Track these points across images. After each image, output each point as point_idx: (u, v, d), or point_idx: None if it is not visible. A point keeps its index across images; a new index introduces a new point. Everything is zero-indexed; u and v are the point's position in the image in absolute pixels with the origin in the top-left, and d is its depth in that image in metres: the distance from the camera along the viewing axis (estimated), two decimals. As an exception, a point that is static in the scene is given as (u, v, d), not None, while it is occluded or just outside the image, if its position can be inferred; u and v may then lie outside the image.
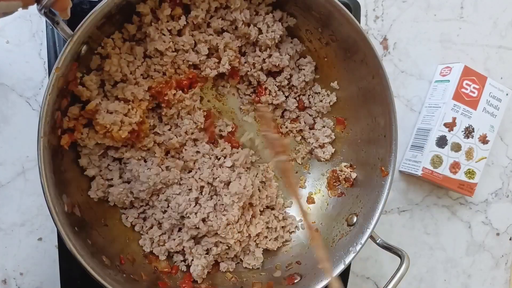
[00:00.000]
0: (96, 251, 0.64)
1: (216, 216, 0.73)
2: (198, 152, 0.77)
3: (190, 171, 0.77)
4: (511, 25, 0.97)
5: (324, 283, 0.69)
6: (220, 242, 0.75)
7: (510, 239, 1.02)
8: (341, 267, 0.69)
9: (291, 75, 0.81)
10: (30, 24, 0.77)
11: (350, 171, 0.80)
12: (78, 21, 0.57)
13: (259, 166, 0.83)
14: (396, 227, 0.96)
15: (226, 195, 0.73)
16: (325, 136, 0.83)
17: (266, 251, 0.81)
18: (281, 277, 0.77)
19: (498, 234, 1.02)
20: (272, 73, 0.81)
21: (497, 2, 0.95)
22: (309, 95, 0.83)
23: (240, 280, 0.78)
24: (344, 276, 0.87)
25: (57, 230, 0.58)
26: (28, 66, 0.78)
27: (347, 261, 0.69)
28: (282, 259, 0.81)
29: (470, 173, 0.92)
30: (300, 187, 0.85)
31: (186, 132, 0.76)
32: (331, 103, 0.82)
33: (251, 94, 0.82)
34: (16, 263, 0.79)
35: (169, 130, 0.76)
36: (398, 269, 0.66)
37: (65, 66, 0.58)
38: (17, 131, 0.78)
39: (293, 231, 0.83)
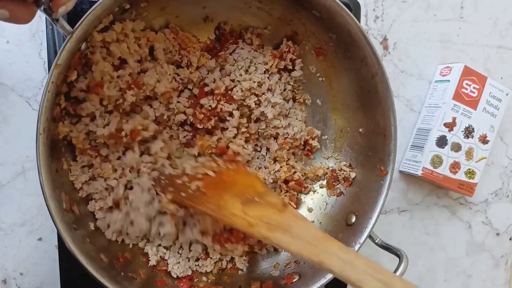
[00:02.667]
0: (94, 250, 0.65)
1: None
2: None
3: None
4: (511, 25, 0.97)
5: (322, 282, 0.69)
6: None
7: (510, 239, 1.02)
8: (339, 267, 0.69)
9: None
10: (30, 24, 0.77)
11: (349, 171, 0.79)
12: (78, 20, 0.57)
13: None
14: (396, 227, 0.96)
15: None
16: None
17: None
18: (280, 276, 0.76)
19: (498, 234, 1.02)
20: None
21: (497, 2, 0.95)
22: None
23: (237, 279, 0.78)
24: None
25: (56, 227, 0.58)
26: (28, 66, 0.78)
27: (346, 261, 0.69)
28: (281, 258, 0.81)
29: (470, 173, 0.92)
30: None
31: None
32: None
33: None
34: (16, 263, 0.79)
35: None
36: (396, 269, 0.66)
37: (64, 62, 0.58)
38: (17, 131, 0.78)
39: None
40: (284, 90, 0.82)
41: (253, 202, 0.67)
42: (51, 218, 0.58)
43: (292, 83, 0.83)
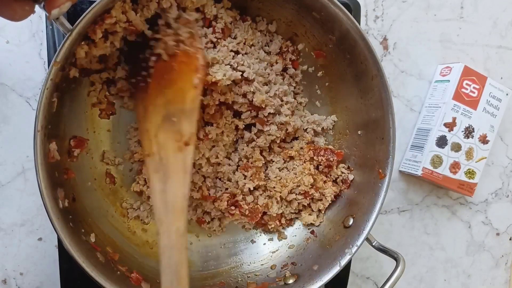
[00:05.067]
0: (90, 248, 0.65)
1: None
2: None
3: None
4: (511, 25, 0.96)
5: (319, 284, 0.70)
6: None
7: (510, 239, 1.02)
8: (336, 269, 0.69)
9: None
10: (30, 24, 0.77)
11: (348, 173, 0.79)
12: (78, 19, 0.57)
13: None
14: (396, 227, 0.96)
15: None
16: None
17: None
18: (276, 277, 0.77)
19: (498, 234, 1.02)
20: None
21: (497, 2, 0.95)
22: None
23: (234, 281, 0.78)
24: (344, 276, 0.87)
25: (52, 225, 0.58)
26: (28, 66, 0.78)
27: (343, 263, 0.69)
28: (278, 259, 0.81)
29: (470, 173, 0.92)
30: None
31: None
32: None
33: None
34: (16, 263, 0.79)
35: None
36: (393, 272, 0.66)
37: (63, 60, 0.58)
38: (17, 131, 0.78)
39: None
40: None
41: (169, 122, 0.62)
42: (48, 215, 0.58)
43: (294, 85, 0.83)
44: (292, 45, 0.80)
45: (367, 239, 0.71)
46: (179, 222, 0.59)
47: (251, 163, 0.79)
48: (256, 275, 0.79)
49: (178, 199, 0.60)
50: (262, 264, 0.81)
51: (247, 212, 0.78)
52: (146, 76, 0.66)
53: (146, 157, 0.63)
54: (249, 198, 0.79)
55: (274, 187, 0.79)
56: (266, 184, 0.80)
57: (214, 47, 0.74)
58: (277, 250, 0.82)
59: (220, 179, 0.80)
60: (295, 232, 0.83)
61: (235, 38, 0.76)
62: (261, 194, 0.80)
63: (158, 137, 0.62)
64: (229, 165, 0.79)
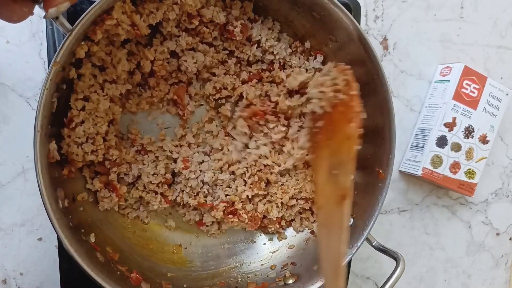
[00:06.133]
0: (90, 248, 0.65)
1: None
2: None
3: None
4: (511, 25, 0.96)
5: (319, 284, 0.69)
6: None
7: (510, 239, 1.02)
8: (336, 269, 0.70)
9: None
10: (30, 24, 0.77)
11: (348, 173, 0.79)
12: (78, 19, 0.57)
13: None
14: (396, 227, 0.96)
15: None
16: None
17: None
18: (276, 277, 0.77)
19: (498, 234, 1.02)
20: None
21: (497, 2, 0.95)
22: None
23: (234, 281, 0.78)
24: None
25: (52, 224, 0.58)
26: (28, 66, 0.78)
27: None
28: (278, 259, 0.81)
29: (470, 173, 0.91)
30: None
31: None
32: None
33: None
34: (16, 263, 0.79)
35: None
36: (393, 272, 0.66)
37: (63, 60, 0.58)
38: (17, 131, 0.78)
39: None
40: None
41: (332, 175, 0.63)
42: (48, 215, 0.58)
43: None
44: (301, 45, 0.80)
45: (367, 239, 0.71)
46: (338, 281, 0.59)
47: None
48: (256, 275, 0.79)
49: (336, 256, 0.60)
50: (262, 264, 0.81)
51: (246, 221, 0.78)
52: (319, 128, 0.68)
53: (318, 210, 0.64)
54: (249, 207, 0.79)
55: (276, 193, 0.79)
56: (267, 191, 0.80)
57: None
58: (277, 250, 0.82)
59: (218, 185, 0.80)
60: (295, 232, 0.83)
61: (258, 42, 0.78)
62: (260, 200, 0.80)
63: (325, 191, 0.63)
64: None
